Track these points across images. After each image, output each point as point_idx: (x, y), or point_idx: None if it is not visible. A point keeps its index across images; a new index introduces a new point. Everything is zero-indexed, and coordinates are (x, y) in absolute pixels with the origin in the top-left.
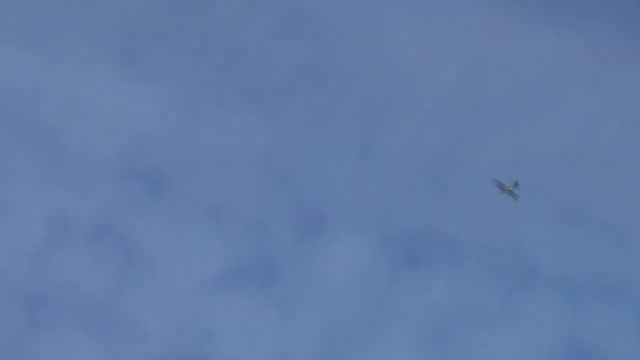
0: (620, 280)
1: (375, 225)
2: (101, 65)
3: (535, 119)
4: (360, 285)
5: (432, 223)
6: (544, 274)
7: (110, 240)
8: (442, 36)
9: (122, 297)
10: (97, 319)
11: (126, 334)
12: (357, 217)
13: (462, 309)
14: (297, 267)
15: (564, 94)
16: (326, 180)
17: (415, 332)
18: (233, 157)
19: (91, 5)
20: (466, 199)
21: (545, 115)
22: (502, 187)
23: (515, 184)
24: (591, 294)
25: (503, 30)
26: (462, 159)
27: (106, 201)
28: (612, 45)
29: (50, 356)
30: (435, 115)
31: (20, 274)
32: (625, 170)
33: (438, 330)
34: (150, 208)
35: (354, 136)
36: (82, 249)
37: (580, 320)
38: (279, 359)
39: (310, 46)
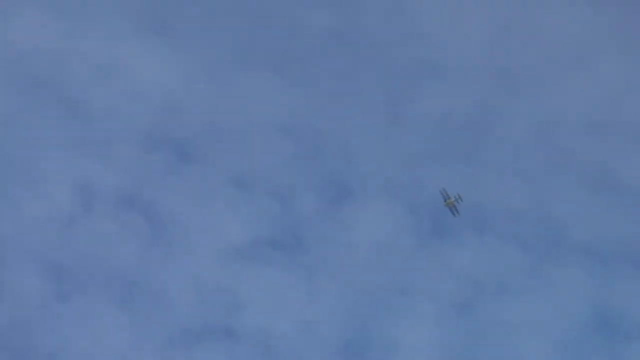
0: None
1: (402, 193)
2: (127, 32)
3: (563, 85)
4: (386, 254)
5: (459, 191)
6: (571, 242)
7: (137, 210)
8: (470, 1)
9: (148, 267)
10: (123, 289)
11: (152, 304)
12: (383, 185)
13: (489, 278)
14: (323, 236)
15: (592, 60)
16: (352, 147)
17: (441, 301)
18: (259, 125)
19: None
20: (493, 167)
21: (573, 81)
22: (446, 198)
23: (458, 198)
24: (619, 261)
25: None
26: (490, 125)
27: (132, 170)
28: None
29: (76, 326)
30: (463, 82)
31: (46, 244)
32: None
33: (464, 300)
34: (176, 177)
35: (380, 103)
36: (109, 218)
37: (608, 289)
38: (305, 328)
39: (337, 12)
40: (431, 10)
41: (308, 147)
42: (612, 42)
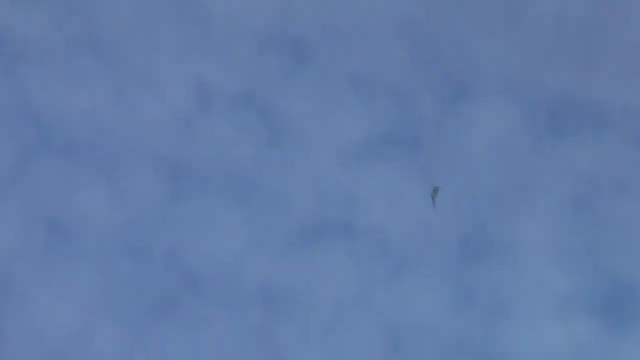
0: None
1: (520, 92)
2: None
3: None
4: (503, 153)
5: (577, 89)
6: None
7: (253, 110)
8: None
9: (266, 166)
10: (241, 189)
11: (270, 203)
12: (501, 84)
13: (607, 176)
14: (440, 135)
15: None
16: (470, 46)
17: (559, 199)
18: (376, 23)
19: None
20: (611, 66)
21: None
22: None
23: (436, 190)
24: None
25: None
26: (608, 26)
27: (249, 70)
28: None
29: (194, 226)
30: None
31: (164, 145)
32: None
33: (582, 197)
34: (293, 77)
35: (499, 2)
36: (226, 119)
37: None
38: (422, 226)
39: None
40: None
41: (425, 46)
42: None
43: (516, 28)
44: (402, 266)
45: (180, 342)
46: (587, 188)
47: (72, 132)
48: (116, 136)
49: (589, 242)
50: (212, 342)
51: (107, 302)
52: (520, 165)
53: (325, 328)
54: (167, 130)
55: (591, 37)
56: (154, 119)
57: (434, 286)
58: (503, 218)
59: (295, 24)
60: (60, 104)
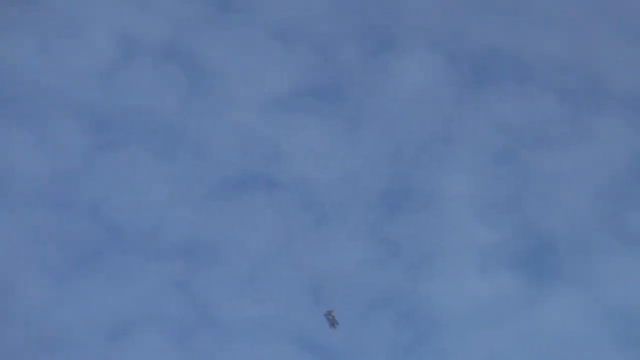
0: None
1: (443, 44)
2: None
3: None
4: (427, 104)
5: (500, 41)
6: (613, 93)
7: (177, 61)
8: None
9: (189, 118)
10: (164, 141)
11: (193, 155)
12: (425, 36)
13: (529, 127)
14: (364, 86)
15: None
16: None
17: (481, 151)
18: None
19: None
20: (534, 16)
21: None
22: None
23: (330, 313)
24: None
25: None
26: None
27: (173, 20)
28: None
29: (117, 178)
30: None
31: (87, 95)
32: None
33: (504, 149)
34: (217, 28)
35: None
36: (149, 69)
37: None
38: (345, 178)
39: None
40: None
41: None
42: None
43: None
44: (325, 218)
45: (103, 294)
46: (510, 140)
47: None
48: (39, 87)
49: (511, 194)
50: (135, 293)
51: (31, 253)
52: (444, 116)
53: (247, 280)
54: (91, 82)
55: None
56: (78, 70)
57: (357, 238)
58: (426, 170)
59: None
60: None
